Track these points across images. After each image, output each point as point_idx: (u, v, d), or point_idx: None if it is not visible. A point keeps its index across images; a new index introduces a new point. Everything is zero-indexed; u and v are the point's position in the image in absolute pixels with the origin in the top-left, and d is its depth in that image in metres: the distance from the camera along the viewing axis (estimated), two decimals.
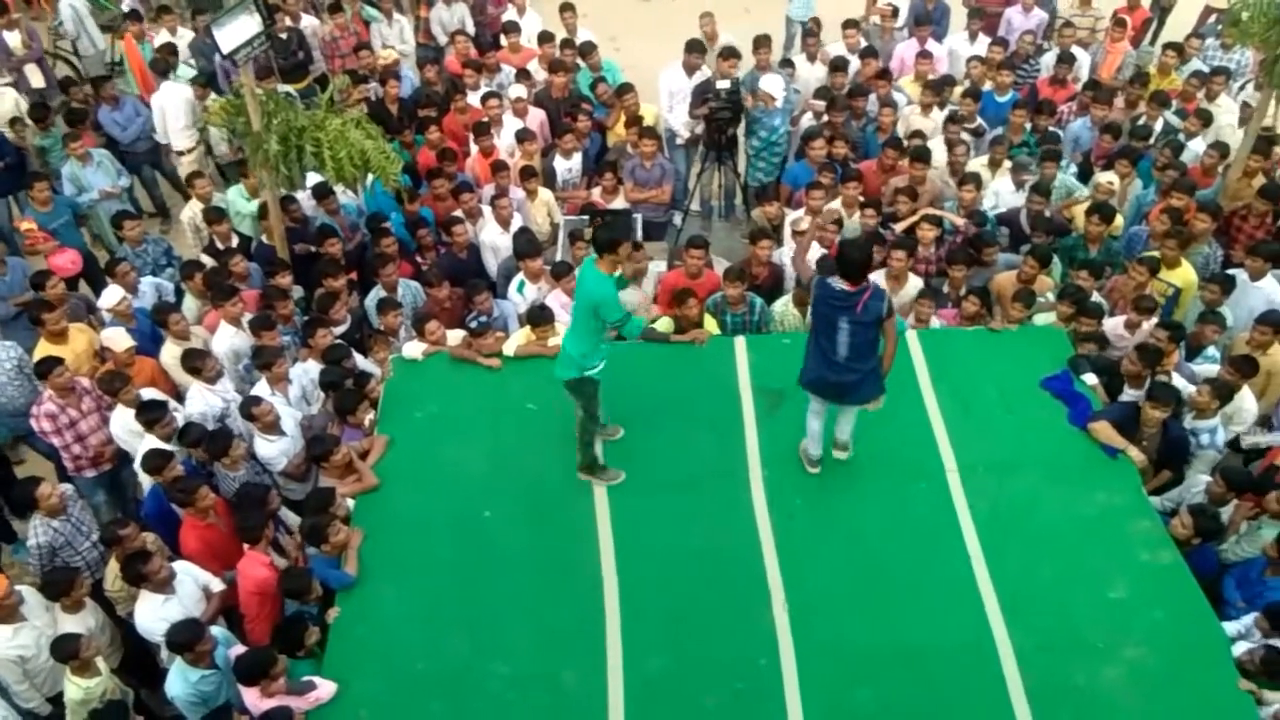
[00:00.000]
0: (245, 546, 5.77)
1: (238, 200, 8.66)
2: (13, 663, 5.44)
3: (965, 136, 9.04)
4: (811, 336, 5.88)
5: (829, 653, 5.45)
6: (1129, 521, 6.02)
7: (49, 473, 6.96)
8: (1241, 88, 10.07)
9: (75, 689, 5.31)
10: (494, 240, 8.38)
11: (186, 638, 5.18)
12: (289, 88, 9.71)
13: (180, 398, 6.93)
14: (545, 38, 10.36)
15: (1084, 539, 5.94)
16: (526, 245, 7.81)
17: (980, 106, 9.36)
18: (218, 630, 5.52)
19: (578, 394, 5.99)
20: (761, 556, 5.91)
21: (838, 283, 5.58)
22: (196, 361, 6.70)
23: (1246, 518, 5.92)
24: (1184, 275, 7.52)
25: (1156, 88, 9.59)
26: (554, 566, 5.92)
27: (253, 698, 5.10)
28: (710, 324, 7.27)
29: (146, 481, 6.34)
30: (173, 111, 9.83)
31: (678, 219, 9.53)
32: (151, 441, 6.39)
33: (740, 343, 7.15)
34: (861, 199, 8.32)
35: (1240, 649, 5.32)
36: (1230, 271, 7.53)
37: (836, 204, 8.34)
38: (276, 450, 6.51)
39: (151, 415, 6.38)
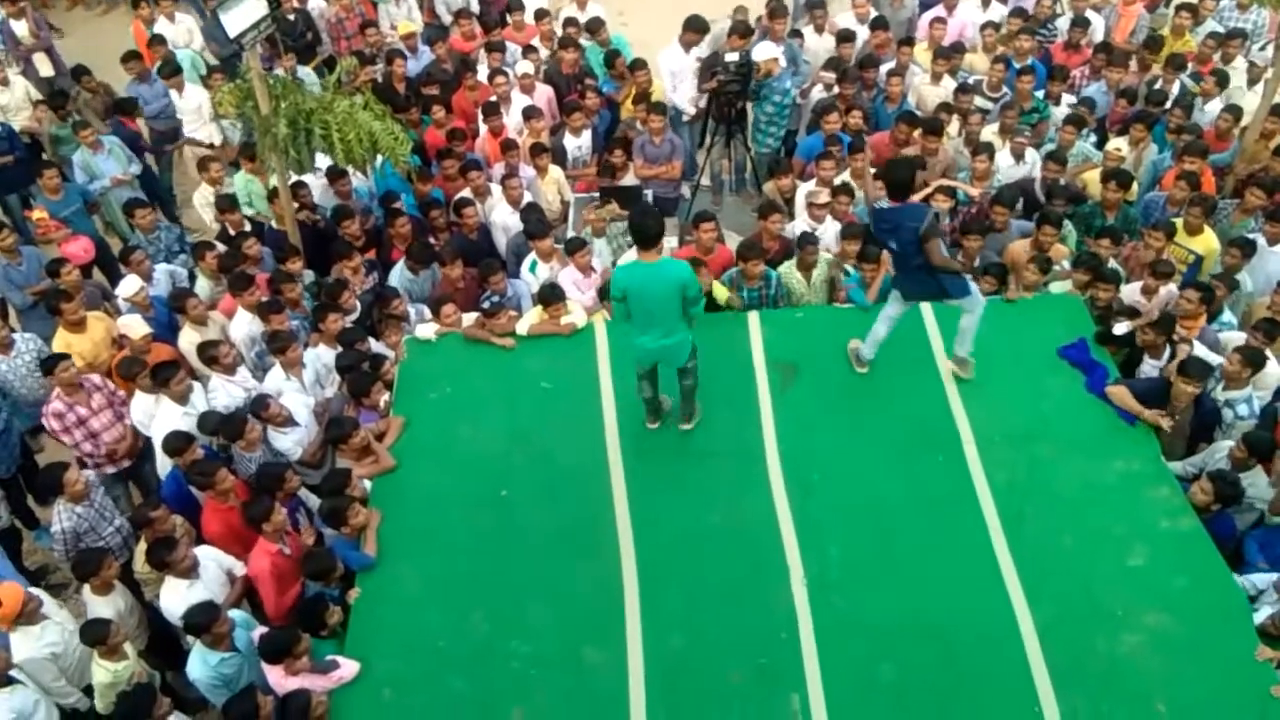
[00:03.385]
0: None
1: (245, 185, 8.64)
2: (47, 661, 5.48)
3: (983, 103, 8.94)
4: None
5: (849, 627, 5.46)
6: (1148, 489, 6.00)
7: (69, 459, 7.00)
8: (1262, 48, 9.93)
9: (104, 672, 5.37)
10: (505, 220, 8.36)
11: (203, 620, 5.22)
12: (306, 69, 9.67)
13: (199, 381, 6.96)
14: (541, 14, 10.30)
15: (1103, 507, 5.93)
16: (537, 225, 7.79)
17: (1007, 74, 9.26)
18: (237, 613, 5.56)
19: (694, 361, 6.08)
20: (779, 531, 5.92)
21: (884, 203, 5.92)
22: (213, 351, 6.72)
23: None
24: (1206, 242, 7.45)
25: (1171, 50, 9.46)
26: (572, 544, 5.94)
27: (277, 676, 5.15)
28: (719, 291, 7.22)
29: (165, 465, 6.39)
30: (191, 113, 9.85)
31: (686, 191, 9.49)
32: (165, 420, 6.44)
33: (754, 318, 7.13)
34: (873, 170, 8.26)
35: (1262, 615, 5.31)
36: (1250, 235, 7.45)
37: (846, 176, 8.29)
38: (291, 441, 6.55)
39: (163, 375, 6.47)
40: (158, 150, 10.11)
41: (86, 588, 5.74)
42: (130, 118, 9.70)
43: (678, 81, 9.66)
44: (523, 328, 7.04)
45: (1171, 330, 6.48)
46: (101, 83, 10.09)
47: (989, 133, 8.74)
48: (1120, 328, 6.61)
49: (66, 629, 5.58)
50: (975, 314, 6.25)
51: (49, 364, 6.61)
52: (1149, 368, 6.58)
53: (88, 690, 5.59)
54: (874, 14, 10.17)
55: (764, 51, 8.96)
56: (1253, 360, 6.24)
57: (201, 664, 5.29)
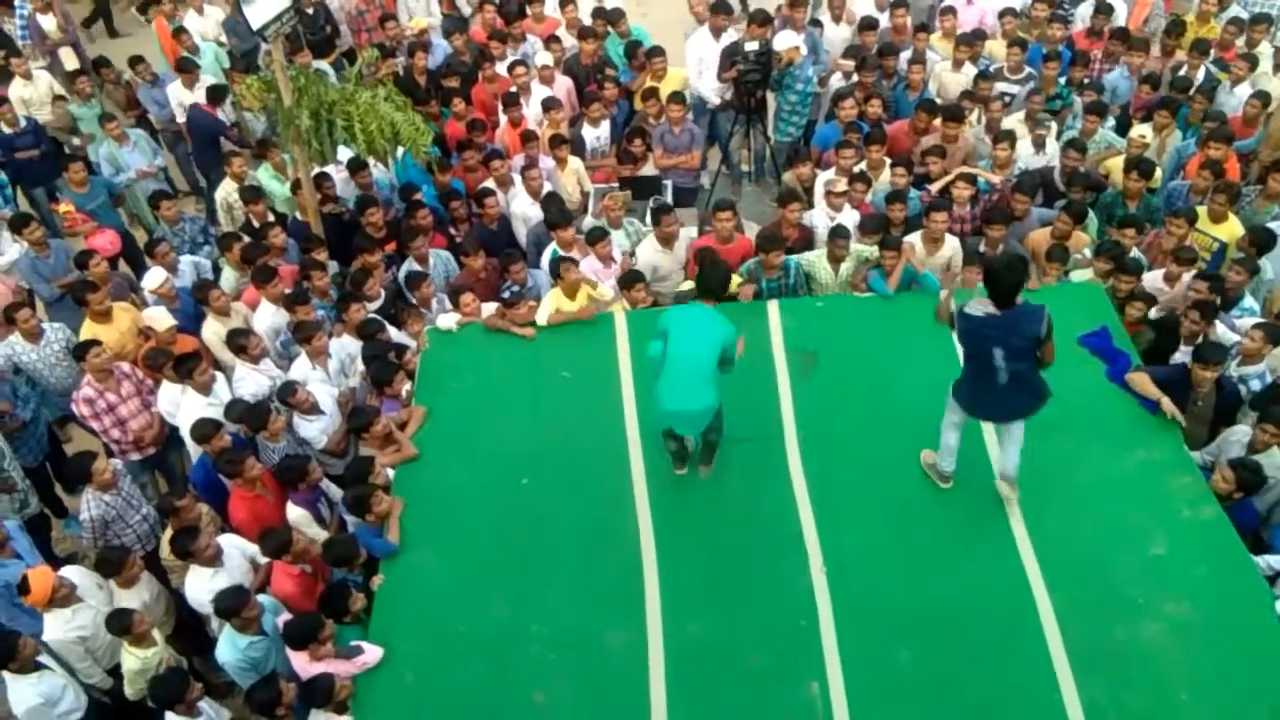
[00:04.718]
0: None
1: (269, 181, 8.73)
2: (74, 643, 5.60)
3: (1006, 87, 8.89)
4: (965, 363, 5.56)
5: (867, 613, 5.48)
6: (1169, 477, 5.97)
7: (96, 449, 7.11)
8: None
9: (133, 660, 5.46)
10: (525, 211, 8.39)
11: (232, 603, 5.31)
12: (323, 63, 9.74)
13: (223, 372, 7.04)
14: (566, 1, 10.31)
15: (1124, 495, 5.91)
16: (558, 215, 7.81)
17: (1027, 56, 9.22)
18: (265, 598, 5.64)
19: (717, 420, 5.78)
20: (798, 518, 5.94)
21: (983, 308, 5.23)
22: (242, 340, 6.80)
23: None
24: (1230, 230, 7.39)
25: (1196, 36, 9.38)
26: (592, 531, 5.98)
27: (301, 662, 5.23)
28: (733, 280, 7.21)
29: (195, 452, 6.48)
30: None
31: (706, 180, 9.48)
32: (190, 409, 6.53)
33: (773, 306, 7.13)
34: (889, 159, 8.25)
35: None
36: (1270, 225, 7.38)
37: (864, 166, 8.26)
38: (316, 430, 6.62)
39: (186, 366, 6.55)
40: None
41: (111, 581, 5.83)
42: (214, 106, 9.72)
43: (703, 68, 9.62)
44: (541, 317, 7.07)
45: (1215, 317, 6.42)
46: (119, 75, 10.18)
47: (1013, 120, 8.69)
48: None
49: (101, 613, 5.66)
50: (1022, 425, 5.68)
51: (81, 350, 6.72)
52: (1183, 355, 6.52)
53: (115, 671, 5.68)
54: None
55: (786, 40, 8.95)
56: (1273, 337, 6.23)
57: (230, 647, 5.38)
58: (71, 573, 5.81)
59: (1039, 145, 8.48)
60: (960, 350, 5.66)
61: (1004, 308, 5.17)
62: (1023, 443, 5.65)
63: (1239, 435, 6.06)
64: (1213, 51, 9.20)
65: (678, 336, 5.48)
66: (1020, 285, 5.17)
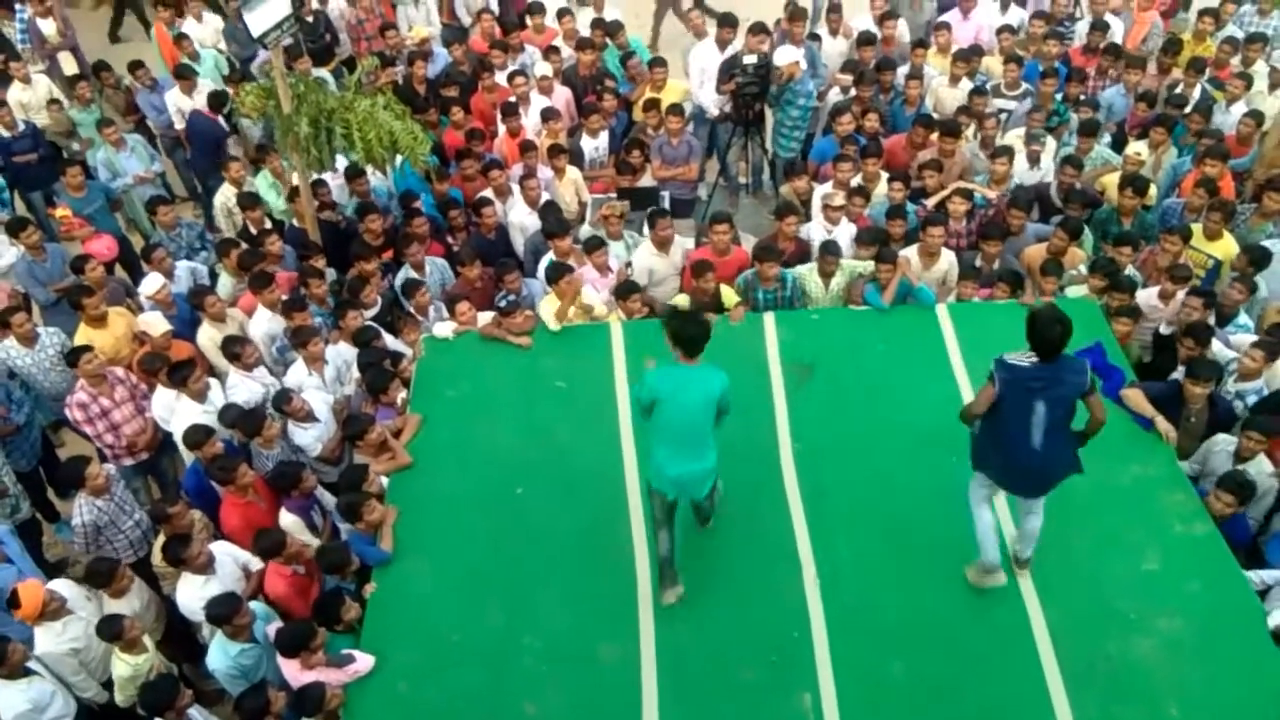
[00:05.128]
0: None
1: (265, 191, 8.73)
2: (67, 656, 5.56)
3: (1005, 103, 8.92)
4: (992, 423, 5.19)
5: (861, 626, 5.48)
6: (1163, 493, 5.98)
7: (90, 454, 7.08)
8: None
9: (124, 666, 5.44)
10: (522, 220, 8.41)
11: (224, 610, 5.30)
12: (323, 71, 9.75)
13: (217, 377, 7.03)
14: (564, 13, 10.36)
15: (1117, 511, 5.91)
16: (556, 224, 7.83)
17: (1024, 73, 9.28)
18: (257, 605, 5.62)
19: (715, 495, 5.68)
20: (792, 530, 5.93)
21: (1026, 359, 5.01)
22: (237, 348, 6.79)
23: None
24: (1225, 248, 7.42)
25: (1193, 54, 9.44)
26: (585, 542, 5.96)
27: (293, 670, 5.20)
28: (728, 295, 7.25)
29: (189, 458, 6.46)
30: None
31: (703, 192, 9.50)
32: (184, 415, 6.51)
33: (769, 319, 7.14)
34: (886, 173, 8.28)
35: (1276, 618, 5.29)
36: (1265, 243, 7.42)
37: (859, 180, 8.29)
38: (311, 437, 6.61)
39: (180, 374, 6.55)
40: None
41: (101, 591, 5.80)
42: (216, 113, 9.75)
43: (705, 78, 9.65)
44: (550, 321, 7.05)
45: (1210, 339, 6.44)
46: (118, 79, 10.19)
47: (1013, 136, 8.73)
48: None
49: (92, 624, 5.62)
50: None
51: (74, 355, 6.70)
52: (1180, 375, 6.54)
53: (108, 684, 5.65)
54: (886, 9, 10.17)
55: (785, 55, 8.98)
56: (1272, 353, 6.26)
57: (221, 655, 5.36)
58: (60, 585, 5.78)
59: (1033, 161, 8.53)
60: (979, 419, 5.26)
61: (1048, 360, 4.99)
62: (1042, 523, 5.44)
63: (1223, 444, 6.08)
64: (1208, 70, 9.27)
65: (670, 401, 5.20)
66: (1066, 341, 4.93)
